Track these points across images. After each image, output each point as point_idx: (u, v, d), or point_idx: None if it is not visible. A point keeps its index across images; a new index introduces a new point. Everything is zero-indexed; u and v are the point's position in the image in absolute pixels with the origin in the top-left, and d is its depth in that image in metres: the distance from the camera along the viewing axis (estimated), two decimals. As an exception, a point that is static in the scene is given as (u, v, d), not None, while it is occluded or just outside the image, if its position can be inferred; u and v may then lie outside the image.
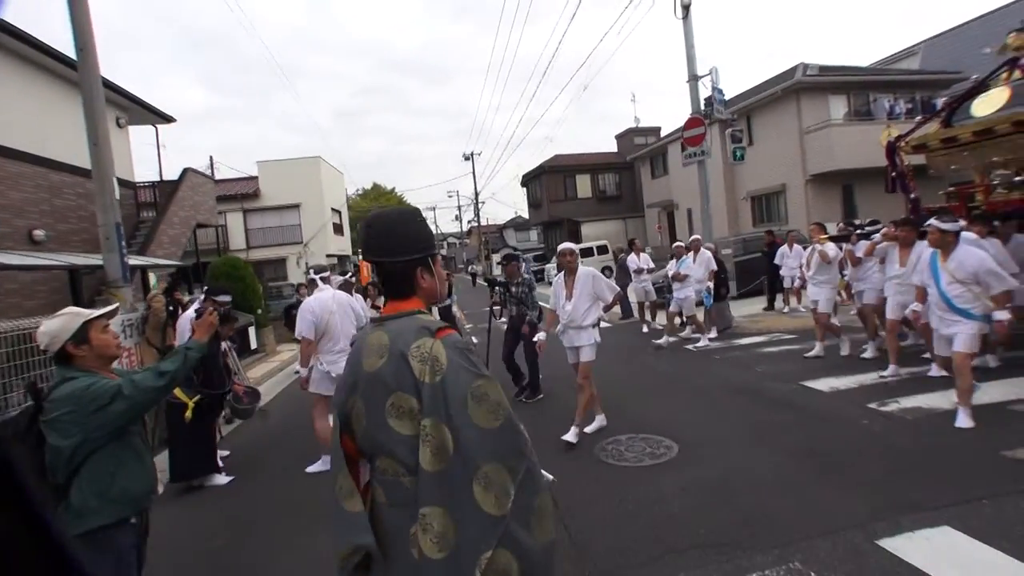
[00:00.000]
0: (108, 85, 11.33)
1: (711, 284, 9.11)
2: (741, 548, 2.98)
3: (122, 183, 12.46)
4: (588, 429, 5.15)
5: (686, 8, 10.66)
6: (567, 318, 5.13)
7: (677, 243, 10.02)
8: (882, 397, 5.29)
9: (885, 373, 5.97)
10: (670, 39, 30.49)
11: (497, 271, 16.24)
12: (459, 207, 61.44)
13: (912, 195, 8.41)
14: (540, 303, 6.76)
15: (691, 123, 11.10)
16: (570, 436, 4.96)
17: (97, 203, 6.34)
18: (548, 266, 24.35)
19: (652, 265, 10.82)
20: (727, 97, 11.76)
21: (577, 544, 3.23)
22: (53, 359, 2.31)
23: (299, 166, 26.75)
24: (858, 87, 18.48)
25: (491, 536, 1.34)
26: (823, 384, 5.95)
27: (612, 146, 34.23)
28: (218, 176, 24.77)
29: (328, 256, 26.68)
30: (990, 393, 4.92)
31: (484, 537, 1.35)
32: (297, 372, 9.49)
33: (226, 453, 5.69)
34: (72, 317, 2.31)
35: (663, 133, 29.60)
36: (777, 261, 10.64)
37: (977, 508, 3.11)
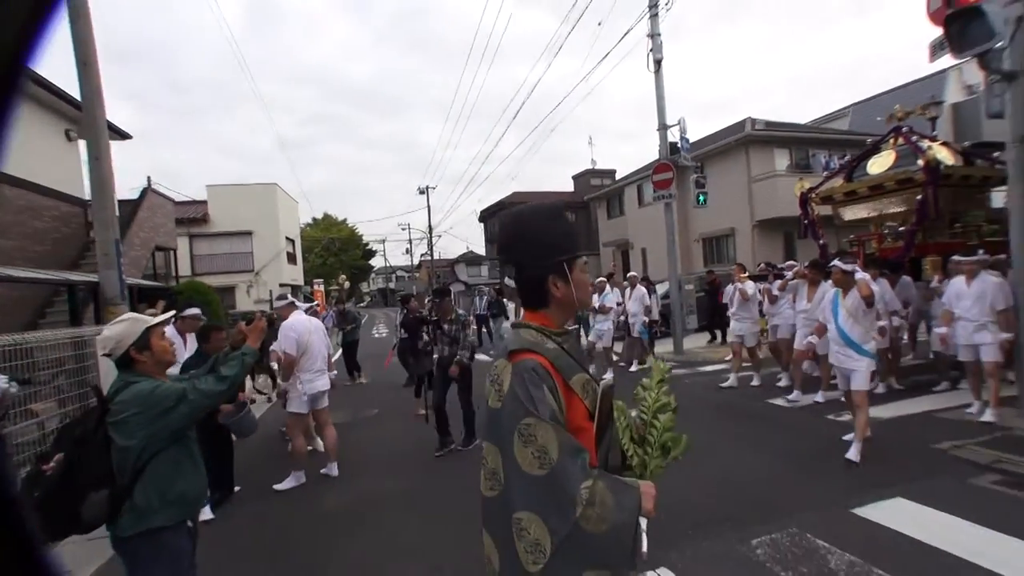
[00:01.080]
0: (60, 94, 10.83)
1: (647, 318, 10.10)
2: (749, 521, 3.69)
3: (70, 200, 11.80)
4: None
5: (658, 63, 11.46)
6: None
7: (631, 273, 10.93)
8: (835, 411, 6.21)
9: (790, 397, 6.85)
10: (627, 87, 32.15)
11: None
12: (410, 240, 61.25)
13: (821, 241, 9.59)
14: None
15: (660, 168, 11.78)
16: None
17: (96, 219, 6.26)
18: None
19: (620, 299, 11.27)
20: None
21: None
22: (117, 363, 2.35)
23: (253, 192, 26.13)
24: (798, 142, 20.01)
25: None
26: (781, 401, 6.88)
27: (568, 185, 35.34)
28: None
29: (282, 285, 26.03)
30: (920, 404, 6.30)
31: None
32: (270, 400, 9.40)
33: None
34: (134, 323, 2.38)
35: (618, 176, 30.88)
36: (726, 300, 11.34)
37: (918, 483, 4.12)
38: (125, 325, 2.36)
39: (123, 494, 2.16)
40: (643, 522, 1.21)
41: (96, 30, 6.50)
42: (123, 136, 14.25)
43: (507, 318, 16.11)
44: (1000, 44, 5.10)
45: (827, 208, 9.97)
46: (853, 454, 4.68)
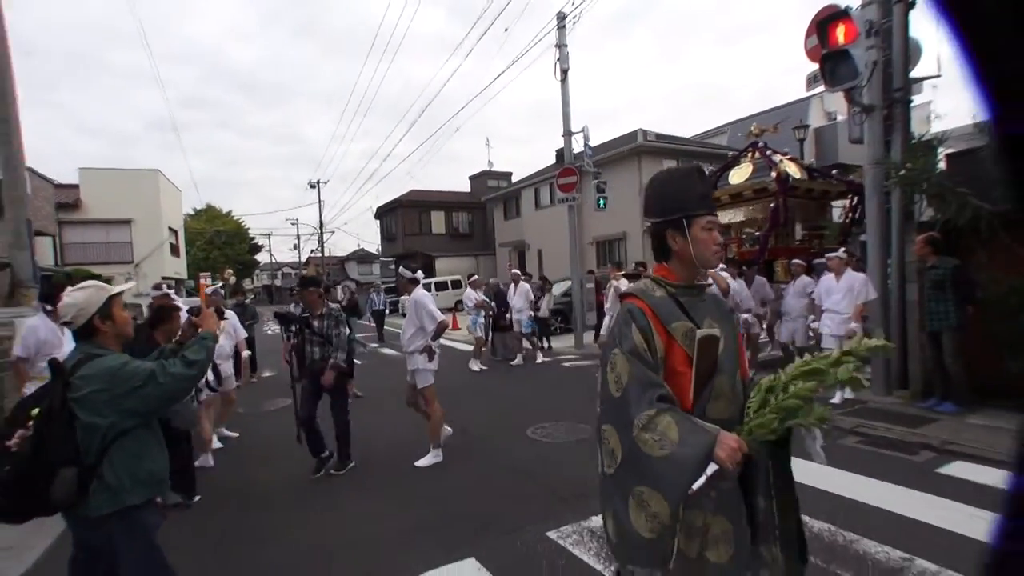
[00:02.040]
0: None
1: (532, 313, 10.91)
2: None
3: None
4: (420, 463, 5.08)
5: (564, 73, 12.15)
6: (402, 342, 5.29)
7: (514, 271, 11.62)
8: None
9: None
10: (523, 93, 33.05)
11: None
12: (298, 236, 58.59)
13: None
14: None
15: (565, 172, 12.49)
16: (424, 461, 5.09)
17: (6, 198, 5.92)
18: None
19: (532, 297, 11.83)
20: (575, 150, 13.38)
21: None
22: (76, 333, 2.23)
23: (132, 178, 24.31)
24: (685, 155, 21.79)
25: (604, 487, 1.54)
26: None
27: (465, 185, 35.70)
28: None
29: (164, 278, 23.98)
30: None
31: (602, 485, 1.55)
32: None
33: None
34: (98, 290, 2.24)
35: (514, 179, 31.72)
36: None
37: (796, 445, 4.61)
38: (89, 292, 2.22)
39: (90, 473, 2.07)
40: (710, 468, 1.35)
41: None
42: None
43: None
44: (860, 83, 6.17)
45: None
46: None
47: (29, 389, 3.91)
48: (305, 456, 5.06)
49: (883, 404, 5.97)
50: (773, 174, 9.13)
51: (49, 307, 4.40)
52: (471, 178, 35.47)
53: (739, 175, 10.27)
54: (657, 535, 1.37)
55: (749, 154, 10.48)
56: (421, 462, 5.08)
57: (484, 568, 3.19)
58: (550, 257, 23.50)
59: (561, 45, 12.25)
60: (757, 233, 9.91)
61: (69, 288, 2.25)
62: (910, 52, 6.33)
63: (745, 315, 7.42)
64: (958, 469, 4.20)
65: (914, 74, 6.46)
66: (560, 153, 13.52)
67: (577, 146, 12.71)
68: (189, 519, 4.15)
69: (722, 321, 1.62)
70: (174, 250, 28.01)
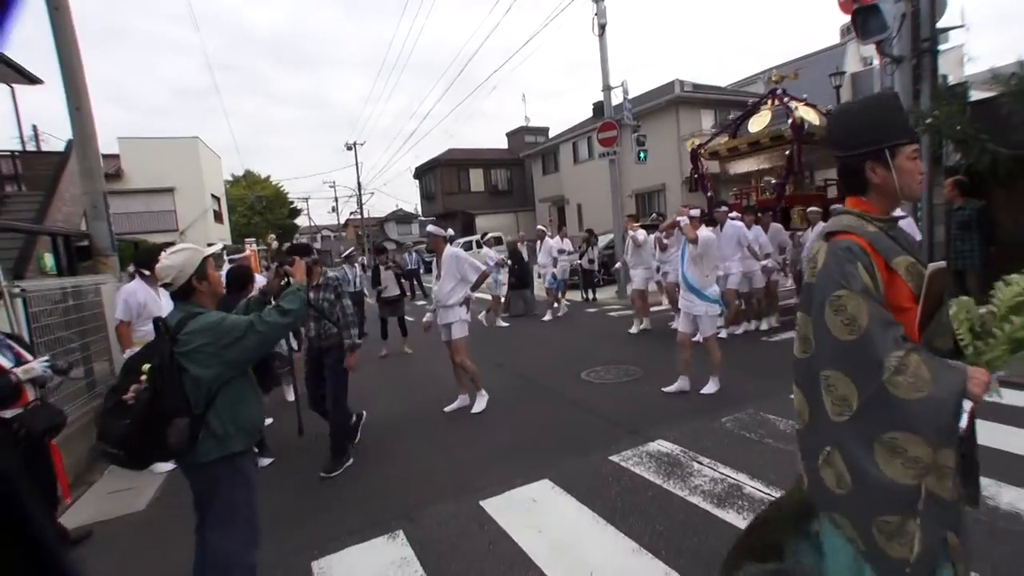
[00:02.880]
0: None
1: (554, 270, 11.01)
2: (705, 413, 4.70)
3: None
4: (476, 408, 5.38)
5: (603, 28, 12.31)
6: (436, 297, 5.30)
7: (539, 227, 11.97)
8: (768, 335, 7.46)
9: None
10: (557, 47, 32.61)
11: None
12: (336, 199, 59.73)
13: (709, 193, 10.61)
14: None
15: (605, 127, 12.72)
16: (478, 406, 5.38)
17: (81, 170, 6.39)
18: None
19: (571, 248, 12.45)
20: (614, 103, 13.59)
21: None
22: (175, 294, 2.37)
23: (172, 147, 24.88)
24: (722, 104, 21.50)
25: (827, 438, 1.47)
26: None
27: (503, 142, 35.89)
28: (44, 148, 21.90)
29: (209, 245, 25.18)
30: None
31: (824, 434, 1.48)
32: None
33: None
34: (194, 252, 2.38)
35: (551, 133, 31.75)
36: None
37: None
38: (187, 254, 2.35)
39: (199, 422, 2.22)
40: (967, 404, 1.28)
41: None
42: (31, 80, 13.09)
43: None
44: (890, 35, 6.41)
45: (716, 163, 11.03)
46: (710, 388, 5.21)
47: (133, 351, 3.93)
48: (383, 402, 5.67)
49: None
50: (789, 121, 9.06)
51: (147, 272, 4.67)
52: (508, 134, 35.53)
53: (758, 123, 10.18)
54: (917, 479, 1.34)
55: (768, 102, 10.35)
56: (475, 408, 5.39)
57: (557, 486, 3.59)
58: (590, 211, 23.78)
59: (598, 0, 12.42)
60: (774, 182, 9.88)
61: (165, 252, 2.38)
62: (936, 3, 6.51)
63: (765, 262, 7.58)
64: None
65: (940, 24, 6.66)
66: (598, 106, 13.80)
67: (615, 99, 12.98)
68: (291, 458, 4.62)
69: (918, 253, 1.56)
70: (217, 216, 28.67)
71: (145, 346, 2.43)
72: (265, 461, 4.55)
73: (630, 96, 13.20)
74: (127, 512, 3.97)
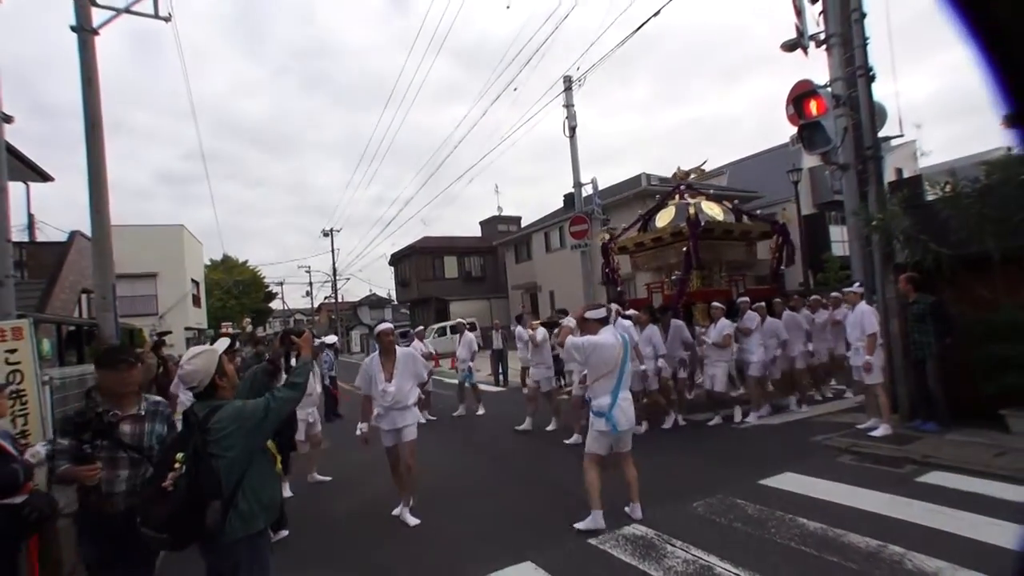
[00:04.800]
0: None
1: (471, 364, 10.46)
2: (690, 493, 4.99)
3: None
4: (412, 521, 4.98)
5: (573, 130, 13.25)
6: (390, 400, 4.89)
7: (459, 320, 12.22)
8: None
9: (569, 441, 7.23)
10: (531, 135, 34.52)
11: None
12: (310, 283, 59.76)
13: (619, 288, 10.59)
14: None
15: (576, 220, 13.45)
16: (400, 512, 5.03)
17: (95, 265, 6.68)
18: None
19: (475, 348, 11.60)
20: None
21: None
22: (199, 394, 2.58)
23: (158, 234, 25.54)
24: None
25: None
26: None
27: (476, 230, 36.93)
28: (40, 238, 22.09)
29: (187, 328, 25.18)
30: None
31: None
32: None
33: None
34: (211, 354, 2.63)
35: (524, 222, 32.91)
36: None
37: (802, 462, 5.56)
38: (205, 357, 2.59)
39: (229, 503, 2.41)
40: None
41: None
42: (44, 177, 13.92)
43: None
44: (834, 146, 7.10)
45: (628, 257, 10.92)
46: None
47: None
48: (369, 488, 5.74)
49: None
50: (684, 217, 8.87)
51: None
52: (482, 223, 36.73)
53: (664, 218, 9.96)
54: None
55: (676, 197, 10.28)
56: (411, 520, 4.98)
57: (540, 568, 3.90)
58: (562, 298, 24.32)
59: (568, 105, 13.39)
60: (672, 277, 9.59)
61: (185, 358, 2.62)
62: (877, 115, 7.25)
63: (658, 363, 7.44)
64: (935, 478, 4.89)
65: (882, 134, 7.40)
66: (569, 197, 14.38)
67: (586, 192, 13.69)
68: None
69: None
70: (196, 301, 28.92)
71: (172, 437, 2.73)
72: (283, 533, 4.78)
73: (599, 188, 13.95)
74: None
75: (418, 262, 32.99)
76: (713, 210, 9.58)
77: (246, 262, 45.55)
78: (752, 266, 10.80)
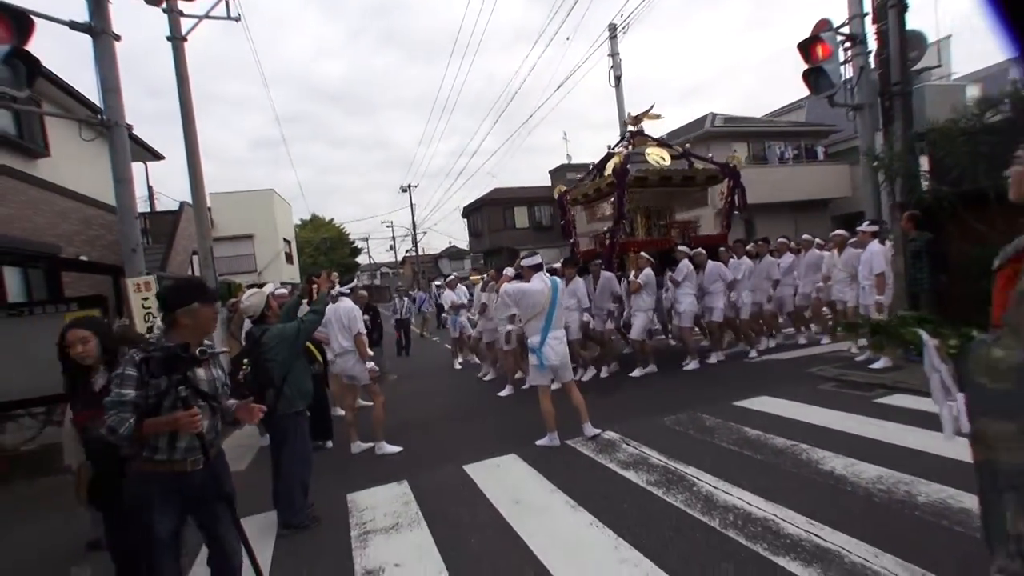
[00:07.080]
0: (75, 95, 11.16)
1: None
2: (666, 408, 5.80)
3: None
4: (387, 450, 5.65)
5: (618, 79, 13.55)
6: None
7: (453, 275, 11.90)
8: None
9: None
10: (598, 80, 33.85)
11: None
12: (393, 237, 62.80)
13: (572, 240, 10.24)
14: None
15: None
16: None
17: (198, 231, 8.30)
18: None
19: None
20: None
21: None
22: (255, 320, 3.95)
23: (252, 198, 28.00)
24: (755, 136, 22.09)
25: None
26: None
27: (546, 179, 37.35)
28: (159, 207, 25.01)
29: (282, 283, 27.77)
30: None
31: None
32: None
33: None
34: (261, 295, 4.02)
35: (592, 170, 32.92)
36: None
37: (782, 388, 6.13)
38: (258, 296, 3.98)
39: (279, 391, 3.70)
40: None
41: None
42: (156, 156, 16.08)
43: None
44: (850, 86, 7.27)
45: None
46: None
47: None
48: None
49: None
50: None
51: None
52: (551, 172, 37.00)
53: (609, 168, 9.37)
54: None
55: (624, 145, 9.79)
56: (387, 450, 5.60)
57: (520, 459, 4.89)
58: (627, 243, 24.53)
59: (614, 54, 13.67)
60: (604, 230, 9.32)
61: (244, 297, 4.12)
62: (912, 44, 7.23)
63: (584, 312, 7.47)
64: (896, 400, 5.43)
65: (920, 65, 7.40)
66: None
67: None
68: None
69: None
70: (288, 258, 31.59)
71: (241, 350, 4.35)
72: (328, 444, 6.06)
73: (665, 132, 14.15)
74: (233, 469, 5.01)
75: (489, 214, 34.02)
76: (658, 156, 9.12)
77: (331, 220, 48.65)
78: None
